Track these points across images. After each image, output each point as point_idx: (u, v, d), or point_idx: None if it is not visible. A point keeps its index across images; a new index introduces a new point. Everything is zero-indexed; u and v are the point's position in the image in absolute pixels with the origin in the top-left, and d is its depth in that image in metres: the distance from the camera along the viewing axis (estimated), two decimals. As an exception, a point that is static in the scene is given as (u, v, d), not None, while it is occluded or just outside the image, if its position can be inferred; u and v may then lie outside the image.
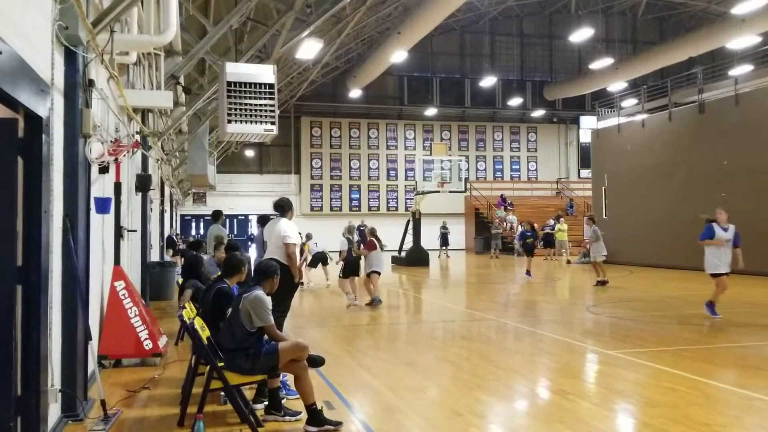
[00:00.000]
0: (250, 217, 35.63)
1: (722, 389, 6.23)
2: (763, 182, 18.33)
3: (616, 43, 37.17)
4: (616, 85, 33.30)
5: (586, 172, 35.06)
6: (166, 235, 20.53)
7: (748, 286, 14.88)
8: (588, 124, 35.70)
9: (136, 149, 8.91)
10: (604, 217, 26.28)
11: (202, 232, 34.38)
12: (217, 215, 14.18)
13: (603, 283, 16.13)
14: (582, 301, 14.39)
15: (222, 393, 5.33)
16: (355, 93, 34.24)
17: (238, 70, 8.87)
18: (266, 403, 5.37)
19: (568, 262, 25.48)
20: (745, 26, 25.18)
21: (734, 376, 6.73)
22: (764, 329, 10.08)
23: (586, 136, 35.55)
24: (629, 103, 29.22)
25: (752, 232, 18.15)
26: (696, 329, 10.09)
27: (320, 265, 16.72)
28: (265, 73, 8.98)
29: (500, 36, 38.15)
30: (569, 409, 5.69)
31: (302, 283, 14.63)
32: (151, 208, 14.07)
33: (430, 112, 36.86)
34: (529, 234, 20.02)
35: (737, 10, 24.53)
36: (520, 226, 32.05)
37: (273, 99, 8.85)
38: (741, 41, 27.09)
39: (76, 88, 5.32)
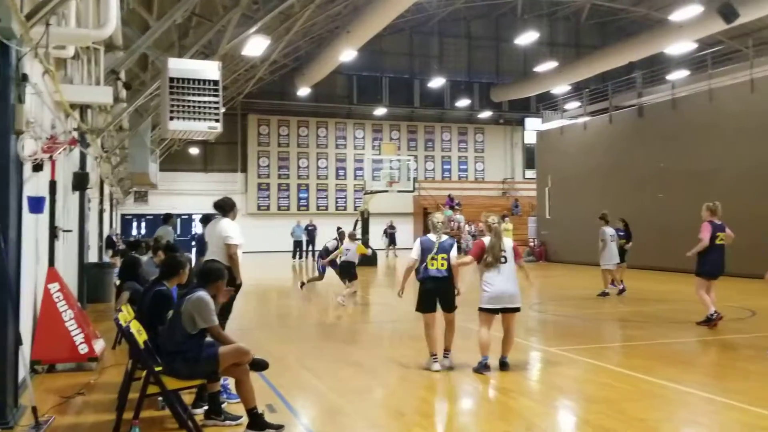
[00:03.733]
0: (194, 216, 34.97)
1: (658, 385, 6.40)
2: (697, 183, 18.97)
3: (560, 47, 37.90)
4: (560, 88, 33.98)
5: (531, 173, 35.64)
6: (105, 235, 19.98)
7: (683, 284, 15.36)
8: (533, 125, 36.31)
9: (73, 146, 8.61)
10: (547, 216, 26.83)
11: (144, 232, 33.62)
12: (167, 218, 13.90)
13: (605, 294, 14.03)
14: (527, 300, 14.59)
15: (160, 398, 5.20)
16: (303, 91, 33.99)
17: (182, 66, 8.68)
18: (206, 407, 5.26)
19: (514, 261, 25.86)
20: (682, 32, 26.01)
21: (669, 372, 6.92)
22: (696, 325, 10.42)
23: (531, 138, 36.11)
24: (572, 105, 29.84)
25: (687, 231, 18.78)
26: (634, 326, 10.37)
27: (347, 280, 13.47)
28: (209, 69, 8.81)
29: (448, 37, 38.45)
30: (511, 407, 5.77)
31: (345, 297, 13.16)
32: (89, 208, 13.66)
33: (380, 111, 36.90)
34: (623, 233, 15.51)
35: (675, 16, 25.34)
36: (467, 226, 32.47)
37: (217, 96, 8.69)
38: (678, 47, 28.01)
39: (9, 83, 5.12)
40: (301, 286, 15.35)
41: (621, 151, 22.60)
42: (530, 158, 36.26)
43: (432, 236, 7.18)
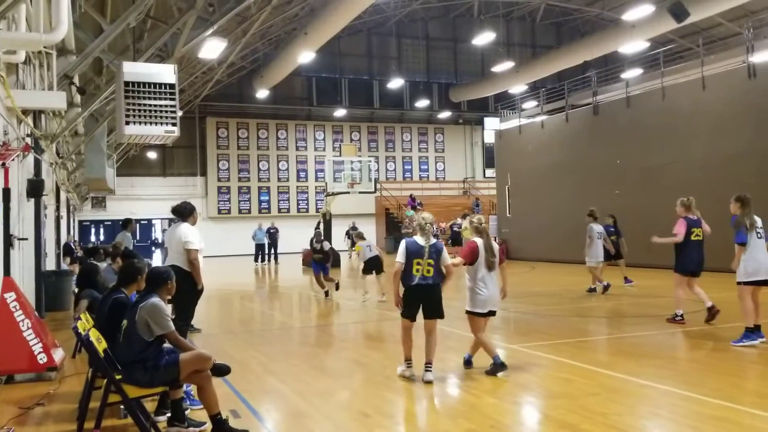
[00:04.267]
0: (153, 221, 34.48)
1: (617, 378, 6.55)
2: (651, 180, 19.44)
3: (517, 47, 38.42)
4: (517, 88, 34.44)
5: (490, 172, 36.03)
6: (62, 242, 19.55)
7: (641, 278, 15.72)
8: (492, 125, 36.74)
9: (27, 153, 8.45)
10: (507, 215, 27.16)
11: (102, 238, 32.98)
12: (126, 223, 13.66)
13: (592, 290, 13.97)
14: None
15: (122, 407, 5.13)
16: (262, 93, 33.77)
17: (137, 70, 8.59)
18: (169, 414, 5.21)
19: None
20: (635, 32, 26.62)
21: (629, 366, 7.09)
22: (654, 319, 10.68)
23: (490, 137, 36.54)
24: (530, 105, 30.29)
25: (642, 227, 19.22)
26: (593, 321, 10.57)
27: (374, 272, 13.67)
28: (165, 72, 8.73)
29: (406, 38, 38.64)
30: (474, 405, 5.83)
31: (366, 296, 13.65)
32: (46, 215, 13.37)
33: (339, 113, 36.88)
34: (612, 230, 15.00)
35: (628, 16, 25.93)
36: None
37: (174, 99, 8.61)
38: (631, 46, 28.66)
39: (-45, 89, 4.99)
40: (326, 294, 14.59)
41: (578, 148, 23.01)
42: (490, 157, 36.68)
43: (420, 239, 6.55)
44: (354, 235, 14.71)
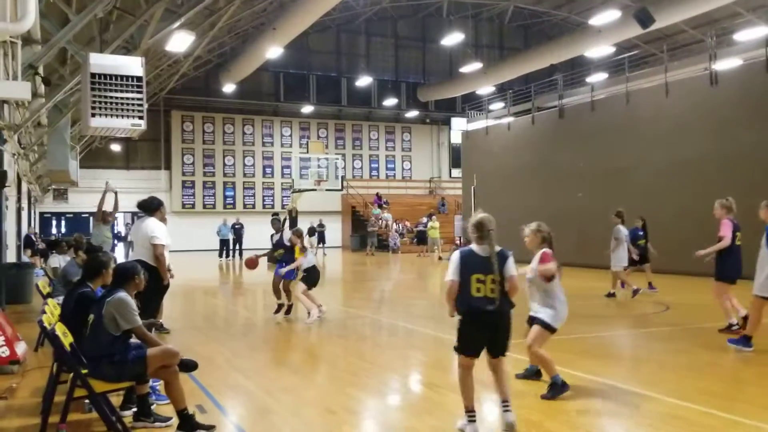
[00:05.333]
0: (116, 215, 33.91)
1: (579, 377, 6.69)
2: (614, 183, 19.82)
3: (485, 49, 38.76)
4: (485, 89, 34.74)
5: (457, 172, 36.30)
6: (23, 234, 19.16)
7: (600, 280, 16.02)
8: (459, 125, 36.97)
9: (-12, 143, 8.27)
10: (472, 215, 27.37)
11: (63, 230, 32.35)
12: (105, 215, 13.44)
13: (611, 295, 13.25)
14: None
15: (86, 401, 5.10)
16: (229, 88, 33.47)
17: (104, 62, 8.48)
18: (135, 409, 5.19)
19: (440, 258, 26.30)
20: (601, 37, 27.05)
21: (589, 365, 7.25)
22: (614, 319, 10.95)
23: (457, 137, 36.78)
24: (497, 106, 30.59)
25: (603, 230, 19.61)
26: (555, 321, 10.74)
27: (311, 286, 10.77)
28: (132, 65, 8.63)
29: (376, 37, 38.67)
30: (438, 402, 5.92)
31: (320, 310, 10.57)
32: (7, 206, 13.10)
33: (307, 109, 36.75)
34: (641, 233, 13.94)
35: (594, 21, 26.39)
36: (395, 225, 32.79)
37: (141, 92, 8.53)
38: (597, 51, 29.15)
39: None
40: (277, 309, 11.29)
41: (543, 151, 23.33)
42: (456, 157, 36.96)
43: (478, 248, 4.94)
44: (294, 234, 10.89)
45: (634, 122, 19.68)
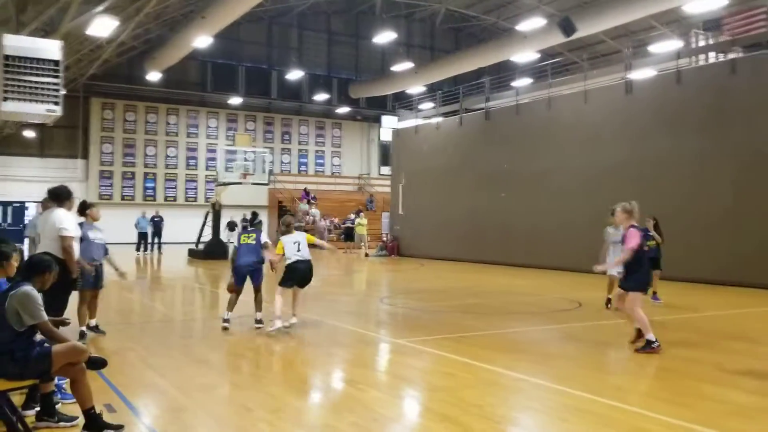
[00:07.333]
0: (27, 204, 32.38)
1: (495, 372, 6.84)
2: (535, 184, 20.35)
3: (417, 49, 39.06)
4: (416, 88, 35.03)
5: (386, 169, 36.46)
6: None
7: (520, 278, 16.45)
8: (389, 123, 37.15)
9: None
10: (400, 212, 27.60)
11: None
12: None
13: (610, 301, 11.26)
14: (378, 294, 15.00)
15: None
16: (153, 76, 32.46)
17: (19, 44, 8.21)
18: (38, 408, 4.94)
19: (366, 255, 26.39)
20: (527, 42, 27.73)
21: (506, 360, 7.41)
22: (531, 316, 11.24)
23: (387, 135, 36.94)
24: (426, 106, 30.90)
25: (525, 230, 20.16)
26: (475, 317, 10.96)
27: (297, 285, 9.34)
28: (50, 48, 8.34)
29: (308, 31, 38.36)
30: (359, 399, 5.91)
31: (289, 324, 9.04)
32: None
33: (235, 101, 36.08)
34: (651, 235, 11.60)
35: (521, 27, 27.05)
36: (322, 221, 32.64)
37: (57, 77, 8.24)
38: (523, 56, 29.88)
39: None
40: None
41: (470, 151, 23.72)
42: (386, 155, 37.14)
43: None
44: (283, 226, 9.43)
45: (554, 127, 20.25)
